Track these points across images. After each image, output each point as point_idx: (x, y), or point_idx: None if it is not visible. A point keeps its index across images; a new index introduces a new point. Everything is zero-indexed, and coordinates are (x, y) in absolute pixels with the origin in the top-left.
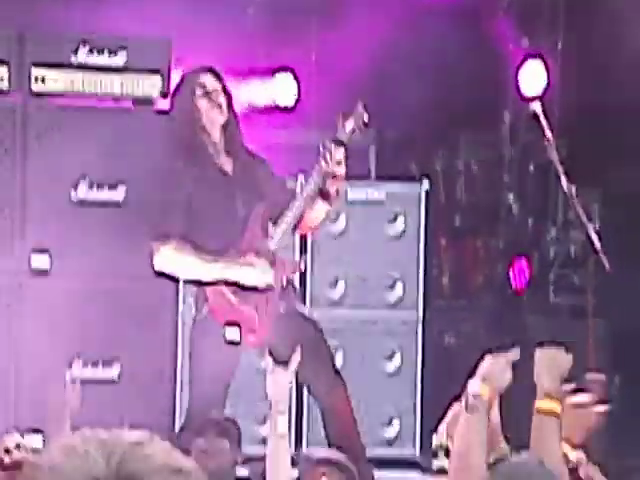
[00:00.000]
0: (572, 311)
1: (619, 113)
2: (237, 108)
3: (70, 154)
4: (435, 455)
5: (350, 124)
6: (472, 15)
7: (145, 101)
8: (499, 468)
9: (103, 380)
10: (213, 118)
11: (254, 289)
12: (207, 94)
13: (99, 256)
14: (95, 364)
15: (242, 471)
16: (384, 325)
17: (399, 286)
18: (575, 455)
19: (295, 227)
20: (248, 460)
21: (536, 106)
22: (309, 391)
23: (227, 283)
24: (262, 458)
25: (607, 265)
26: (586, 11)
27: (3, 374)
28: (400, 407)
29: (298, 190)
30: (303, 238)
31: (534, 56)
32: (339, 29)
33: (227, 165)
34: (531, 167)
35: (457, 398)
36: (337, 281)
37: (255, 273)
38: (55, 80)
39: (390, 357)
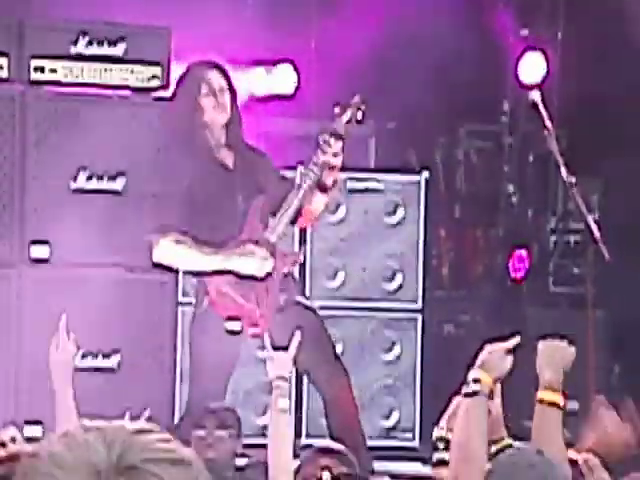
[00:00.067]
0: (572, 301)
1: (619, 103)
2: (238, 101)
3: (69, 144)
4: (435, 448)
5: (347, 116)
6: (472, 5)
7: (144, 91)
8: (500, 458)
9: (103, 370)
10: (215, 117)
11: (254, 279)
12: (212, 93)
13: (99, 246)
14: (94, 355)
15: (242, 461)
16: (383, 315)
17: (399, 276)
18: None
19: (294, 220)
20: (247, 449)
21: (536, 96)
22: (311, 381)
23: (226, 273)
24: (262, 447)
25: (607, 255)
26: (586, 1)
27: (3, 364)
28: (399, 397)
29: (297, 182)
30: (303, 229)
31: (534, 46)
32: (339, 18)
33: (228, 159)
34: (531, 157)
35: (457, 390)
36: (337, 272)
37: (254, 262)
38: (54, 70)
39: (390, 347)
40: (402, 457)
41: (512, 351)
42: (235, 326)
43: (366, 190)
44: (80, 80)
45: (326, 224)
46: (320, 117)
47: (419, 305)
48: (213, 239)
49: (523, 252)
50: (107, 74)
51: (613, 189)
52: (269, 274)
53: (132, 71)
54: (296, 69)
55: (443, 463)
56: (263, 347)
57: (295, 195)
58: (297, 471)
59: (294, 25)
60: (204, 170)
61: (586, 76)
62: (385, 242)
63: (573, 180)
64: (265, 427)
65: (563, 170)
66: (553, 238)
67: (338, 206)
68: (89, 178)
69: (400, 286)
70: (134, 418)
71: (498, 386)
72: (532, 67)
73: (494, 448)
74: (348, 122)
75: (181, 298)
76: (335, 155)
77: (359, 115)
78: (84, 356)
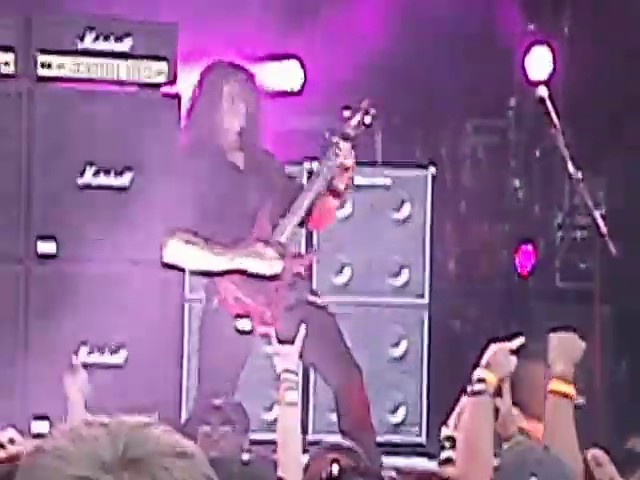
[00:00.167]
0: (578, 296)
1: (626, 98)
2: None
3: (76, 140)
4: (443, 447)
5: (356, 118)
6: (479, 0)
7: (151, 87)
8: (508, 455)
9: (109, 366)
10: (232, 121)
11: (264, 279)
12: (235, 94)
13: (105, 242)
14: (101, 350)
15: (248, 456)
16: (390, 311)
17: (405, 272)
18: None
19: (303, 221)
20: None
21: (542, 91)
22: (323, 377)
23: (236, 272)
24: (269, 443)
25: (613, 250)
26: None
27: (10, 360)
28: (406, 393)
29: (307, 184)
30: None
31: (541, 41)
32: (345, 13)
33: (239, 160)
34: (537, 152)
35: (464, 386)
36: (343, 267)
37: (264, 262)
38: (61, 66)
39: (396, 343)
40: (409, 452)
41: (516, 351)
42: (245, 325)
43: (372, 185)
44: (87, 76)
45: None
46: (326, 113)
47: (426, 300)
48: (223, 239)
49: (529, 247)
50: (114, 70)
51: (620, 184)
52: (279, 274)
53: (139, 67)
54: (303, 65)
55: (450, 461)
56: (270, 342)
57: (304, 197)
58: (306, 467)
59: (300, 21)
60: (215, 170)
61: (593, 71)
62: (391, 237)
63: (579, 175)
64: (272, 422)
65: (570, 165)
66: (560, 233)
67: (345, 202)
68: (96, 174)
69: (407, 281)
70: (141, 415)
71: (508, 384)
72: (539, 62)
73: (505, 445)
74: (358, 125)
75: (188, 294)
76: (345, 157)
77: (368, 119)
78: (91, 352)
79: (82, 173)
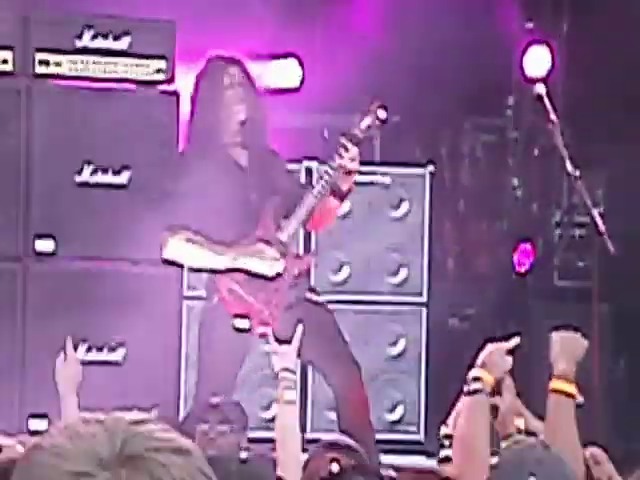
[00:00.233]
0: (576, 294)
1: (624, 96)
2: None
3: (74, 138)
4: (442, 445)
5: (367, 121)
6: None
7: (149, 85)
8: (507, 454)
9: (108, 363)
10: (234, 113)
11: (264, 278)
12: (234, 87)
13: (103, 240)
14: (100, 348)
15: (246, 454)
16: (388, 309)
17: (403, 270)
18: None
19: (306, 222)
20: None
21: (541, 89)
22: (322, 375)
23: (237, 271)
24: (267, 442)
25: (612, 248)
26: None
27: (8, 358)
28: (405, 391)
29: (310, 185)
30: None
31: (539, 40)
32: (344, 11)
33: (242, 158)
34: (536, 151)
35: (462, 385)
36: (341, 265)
37: (265, 261)
38: (59, 64)
39: (394, 341)
40: (407, 451)
41: (512, 351)
42: (244, 324)
43: (371, 183)
44: (85, 74)
45: None
46: (325, 112)
47: (424, 299)
48: (225, 238)
49: (528, 246)
50: (112, 68)
51: (618, 182)
52: (279, 274)
53: (137, 65)
54: (301, 63)
55: (449, 460)
56: (268, 341)
57: (308, 197)
58: (305, 465)
59: (299, 19)
60: (217, 168)
61: (591, 69)
62: (390, 236)
63: (578, 173)
64: (270, 420)
65: (568, 163)
66: (558, 232)
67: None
68: (94, 172)
69: (405, 279)
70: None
71: (511, 383)
72: (537, 60)
73: (504, 444)
74: (367, 129)
75: (186, 292)
76: (352, 160)
77: (379, 121)
78: (89, 349)
79: (80, 171)
